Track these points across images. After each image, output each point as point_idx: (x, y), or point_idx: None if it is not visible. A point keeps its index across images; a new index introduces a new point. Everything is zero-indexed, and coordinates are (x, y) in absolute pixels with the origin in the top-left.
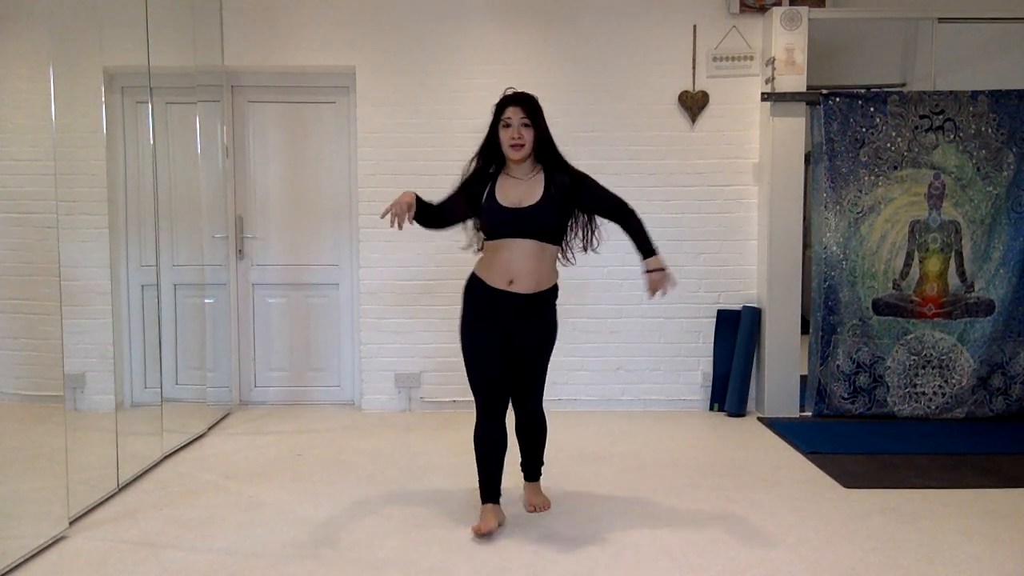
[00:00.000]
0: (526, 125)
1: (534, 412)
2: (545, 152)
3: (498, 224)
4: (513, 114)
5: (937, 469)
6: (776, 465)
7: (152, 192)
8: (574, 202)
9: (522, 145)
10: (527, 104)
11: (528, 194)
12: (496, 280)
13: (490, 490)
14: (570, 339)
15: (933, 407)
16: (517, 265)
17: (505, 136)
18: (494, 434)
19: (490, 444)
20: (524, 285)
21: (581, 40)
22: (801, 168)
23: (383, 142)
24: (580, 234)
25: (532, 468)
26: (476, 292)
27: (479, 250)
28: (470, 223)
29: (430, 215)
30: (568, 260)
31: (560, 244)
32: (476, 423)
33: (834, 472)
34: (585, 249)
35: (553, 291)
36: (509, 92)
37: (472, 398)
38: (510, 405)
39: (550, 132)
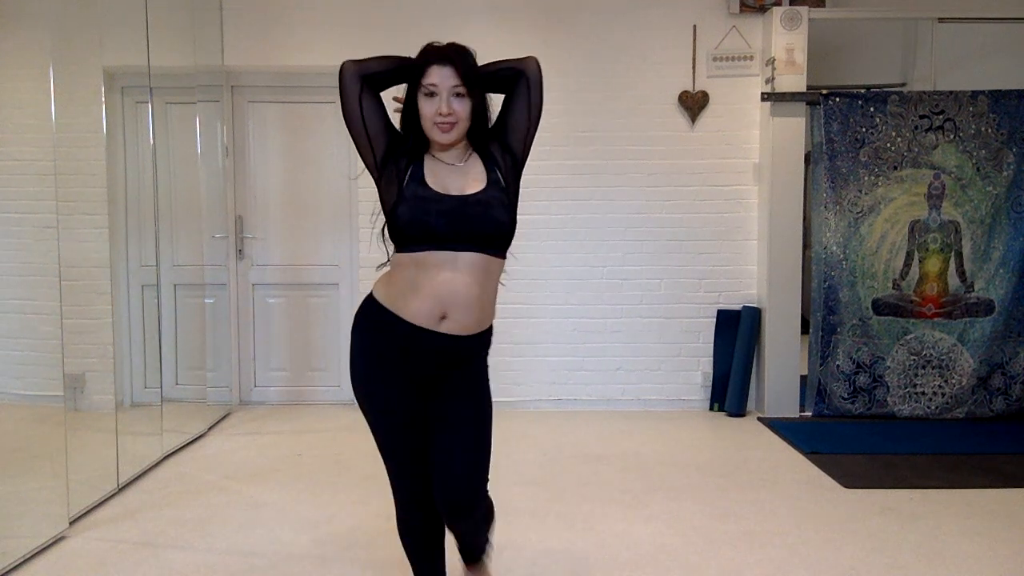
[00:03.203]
0: (459, 95)
1: (470, 513)
2: (481, 127)
3: (431, 219)
4: (440, 79)
5: (937, 469)
6: (776, 465)
7: (152, 192)
8: (512, 155)
9: (453, 124)
10: (461, 62)
11: (468, 180)
12: (419, 314)
13: None
14: (570, 339)
15: (933, 407)
16: (456, 292)
17: (429, 109)
18: (423, 523)
19: (420, 535)
20: (461, 323)
21: (581, 40)
22: (801, 168)
23: None
24: None
25: (471, 549)
26: (379, 329)
27: (385, 264)
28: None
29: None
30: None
31: (505, 255)
32: (396, 507)
33: (834, 472)
34: None
35: (490, 333)
36: (435, 43)
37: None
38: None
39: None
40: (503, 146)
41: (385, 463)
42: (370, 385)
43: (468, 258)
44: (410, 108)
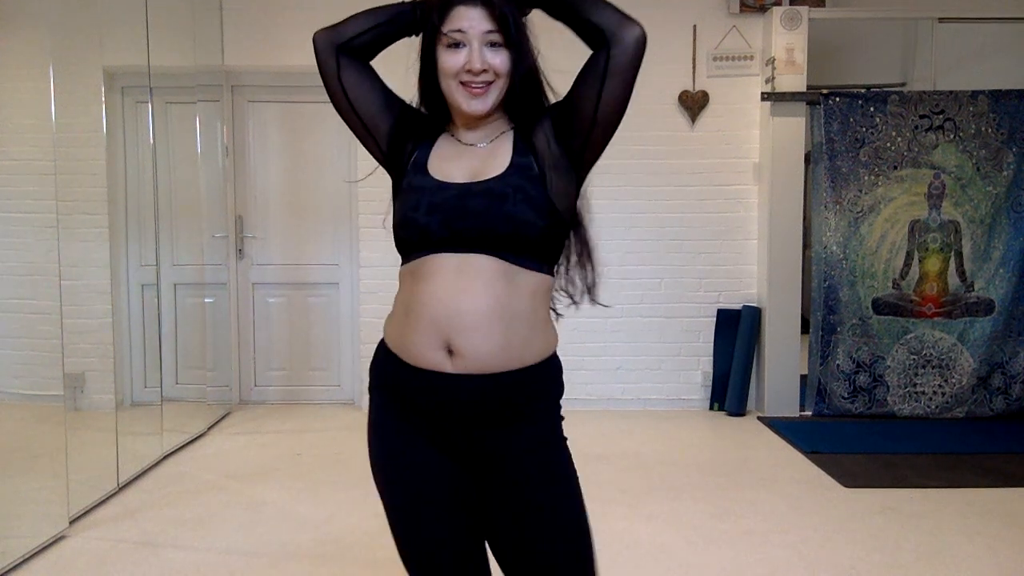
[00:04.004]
0: (494, 44)
1: None
2: (526, 95)
3: (419, 215)
4: (468, 22)
5: (937, 469)
6: (776, 465)
7: (152, 192)
8: (565, 147)
9: (487, 85)
10: (497, 0)
11: (485, 166)
12: (420, 350)
13: None
14: (570, 339)
15: (933, 407)
16: (458, 308)
17: (452, 63)
18: None
19: None
20: (477, 354)
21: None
22: (801, 168)
23: None
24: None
25: None
26: (386, 385)
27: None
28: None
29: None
30: (566, 302)
31: (551, 268)
32: None
33: (834, 472)
34: (584, 293)
35: (551, 373)
36: None
37: None
38: None
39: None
40: (558, 129)
41: (399, 551)
42: (383, 464)
43: (477, 263)
44: (427, 70)
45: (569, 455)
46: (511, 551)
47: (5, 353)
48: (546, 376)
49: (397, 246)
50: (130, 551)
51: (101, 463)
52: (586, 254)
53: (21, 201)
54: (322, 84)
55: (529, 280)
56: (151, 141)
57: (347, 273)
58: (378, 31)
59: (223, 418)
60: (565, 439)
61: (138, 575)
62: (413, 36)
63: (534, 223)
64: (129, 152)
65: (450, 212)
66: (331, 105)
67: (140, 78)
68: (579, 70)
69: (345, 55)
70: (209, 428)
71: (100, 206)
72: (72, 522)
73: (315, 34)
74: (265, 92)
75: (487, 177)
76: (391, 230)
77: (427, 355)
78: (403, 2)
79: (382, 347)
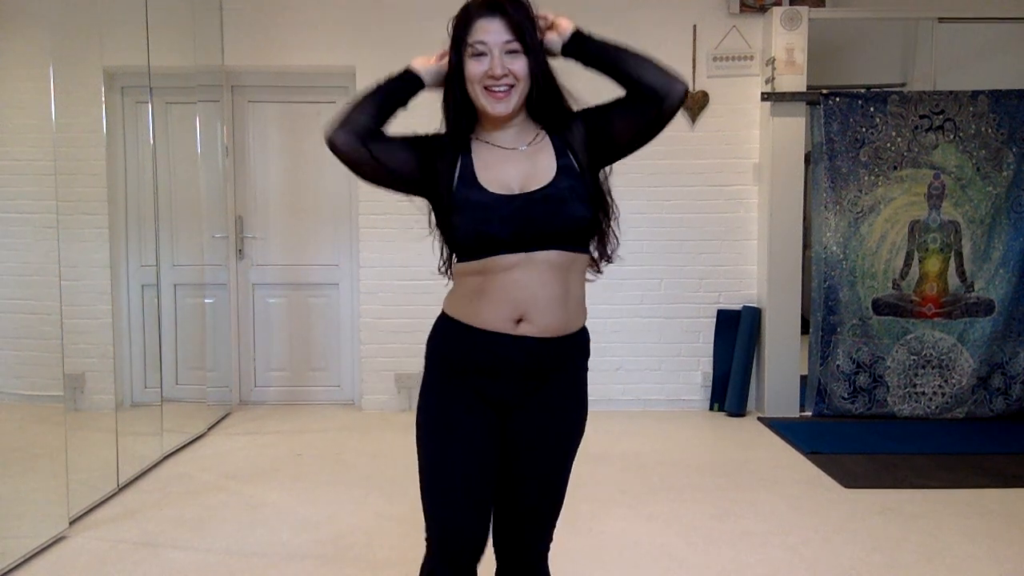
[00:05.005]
0: (513, 52)
1: (537, 568)
2: (545, 96)
3: (492, 227)
4: (489, 34)
5: (937, 469)
6: (776, 465)
7: (152, 192)
8: (594, 155)
9: (510, 88)
10: (514, 13)
11: (534, 170)
12: (492, 319)
13: None
14: None
15: (933, 407)
16: (533, 293)
17: (476, 69)
18: None
19: None
20: (544, 324)
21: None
22: (801, 168)
23: None
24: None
25: None
26: (453, 348)
27: (446, 272)
28: (422, 205)
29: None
30: (597, 272)
31: (589, 248)
32: (425, 558)
33: (834, 472)
34: (603, 259)
35: (585, 337)
36: None
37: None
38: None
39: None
40: (592, 136)
41: (424, 498)
42: (440, 411)
43: (543, 256)
44: (454, 81)
45: (584, 405)
46: (516, 479)
47: (5, 353)
48: (582, 342)
49: (459, 251)
50: (130, 551)
51: (101, 463)
52: (612, 226)
53: (21, 201)
54: (316, 83)
55: (580, 262)
56: (151, 141)
57: (347, 273)
58: (384, 110)
59: (223, 419)
60: (586, 391)
61: (138, 575)
62: (416, 94)
63: (585, 216)
64: (129, 152)
65: (521, 223)
66: (331, 105)
67: (140, 78)
68: (619, 103)
69: (371, 139)
70: (209, 429)
71: (100, 206)
72: (72, 522)
73: (330, 136)
74: (265, 92)
75: (542, 184)
76: (435, 228)
77: (497, 322)
78: (391, 77)
79: (443, 320)
